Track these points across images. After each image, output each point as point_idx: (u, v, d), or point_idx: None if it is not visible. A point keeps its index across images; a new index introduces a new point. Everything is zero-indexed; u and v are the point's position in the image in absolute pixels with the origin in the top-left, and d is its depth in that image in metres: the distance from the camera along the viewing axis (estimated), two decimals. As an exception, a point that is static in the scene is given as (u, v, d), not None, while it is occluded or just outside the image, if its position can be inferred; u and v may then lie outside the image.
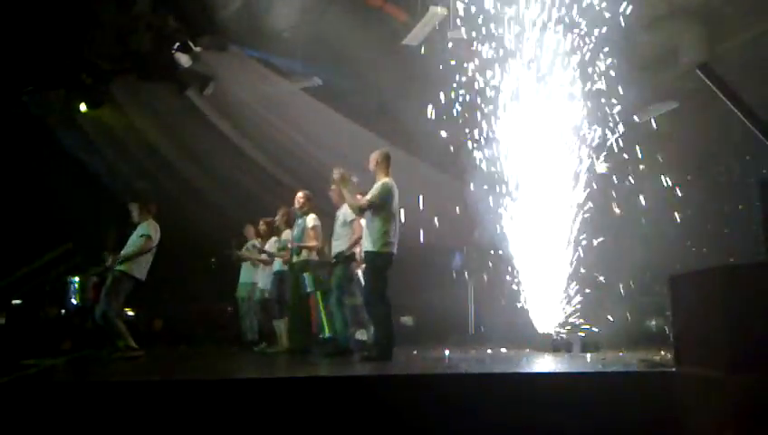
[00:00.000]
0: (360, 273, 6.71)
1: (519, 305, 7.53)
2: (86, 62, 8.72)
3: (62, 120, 10.21)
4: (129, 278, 6.66)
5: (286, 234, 7.53)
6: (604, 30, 7.05)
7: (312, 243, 6.96)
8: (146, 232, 6.81)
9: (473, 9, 7.52)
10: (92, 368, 5.52)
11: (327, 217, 7.06)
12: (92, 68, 8.85)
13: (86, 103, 9.77)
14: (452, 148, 8.22)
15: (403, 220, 6.24)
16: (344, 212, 6.57)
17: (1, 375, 3.70)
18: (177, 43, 8.66)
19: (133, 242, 6.79)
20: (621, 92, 7.16)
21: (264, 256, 8.10)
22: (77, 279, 9.09)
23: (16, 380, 3.70)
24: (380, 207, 5.77)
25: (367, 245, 5.83)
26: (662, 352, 5.71)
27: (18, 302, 8.93)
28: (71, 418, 3.51)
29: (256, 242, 8.63)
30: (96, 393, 3.77)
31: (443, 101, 7.99)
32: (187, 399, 3.71)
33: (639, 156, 7.57)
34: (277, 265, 7.67)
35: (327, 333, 6.66)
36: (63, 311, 9.26)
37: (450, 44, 8.08)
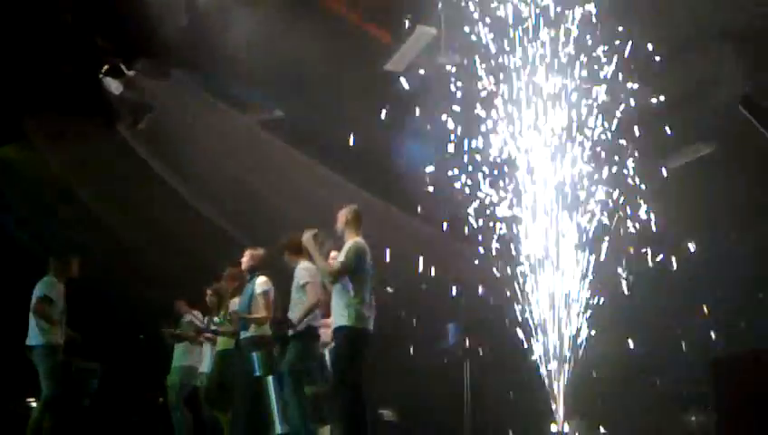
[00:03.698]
0: (326, 353, 6.62)
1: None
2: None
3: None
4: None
5: (234, 303, 7.40)
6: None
7: (261, 313, 6.74)
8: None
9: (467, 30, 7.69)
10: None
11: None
12: (-2, 96, 8.79)
13: (-11, 142, 9.69)
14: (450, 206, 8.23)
15: (390, 289, 6.23)
16: (297, 275, 6.52)
17: None
18: (106, 66, 8.65)
19: None
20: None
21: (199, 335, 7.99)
22: None
23: None
24: (352, 272, 5.77)
25: (337, 319, 5.80)
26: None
27: None
28: None
29: (194, 316, 8.50)
30: None
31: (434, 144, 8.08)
32: None
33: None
34: (220, 343, 7.56)
35: (280, 431, 6.52)
36: None
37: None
